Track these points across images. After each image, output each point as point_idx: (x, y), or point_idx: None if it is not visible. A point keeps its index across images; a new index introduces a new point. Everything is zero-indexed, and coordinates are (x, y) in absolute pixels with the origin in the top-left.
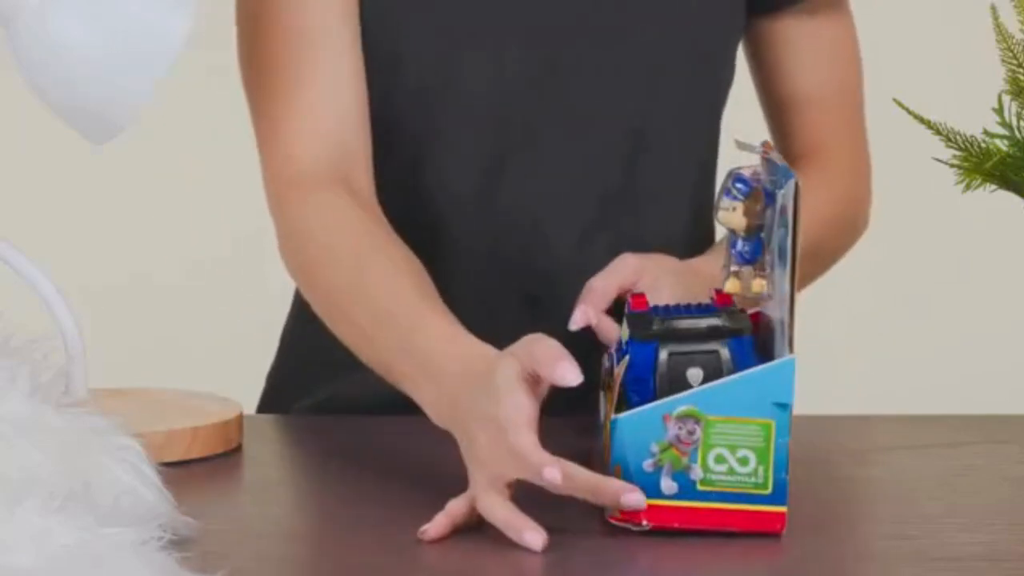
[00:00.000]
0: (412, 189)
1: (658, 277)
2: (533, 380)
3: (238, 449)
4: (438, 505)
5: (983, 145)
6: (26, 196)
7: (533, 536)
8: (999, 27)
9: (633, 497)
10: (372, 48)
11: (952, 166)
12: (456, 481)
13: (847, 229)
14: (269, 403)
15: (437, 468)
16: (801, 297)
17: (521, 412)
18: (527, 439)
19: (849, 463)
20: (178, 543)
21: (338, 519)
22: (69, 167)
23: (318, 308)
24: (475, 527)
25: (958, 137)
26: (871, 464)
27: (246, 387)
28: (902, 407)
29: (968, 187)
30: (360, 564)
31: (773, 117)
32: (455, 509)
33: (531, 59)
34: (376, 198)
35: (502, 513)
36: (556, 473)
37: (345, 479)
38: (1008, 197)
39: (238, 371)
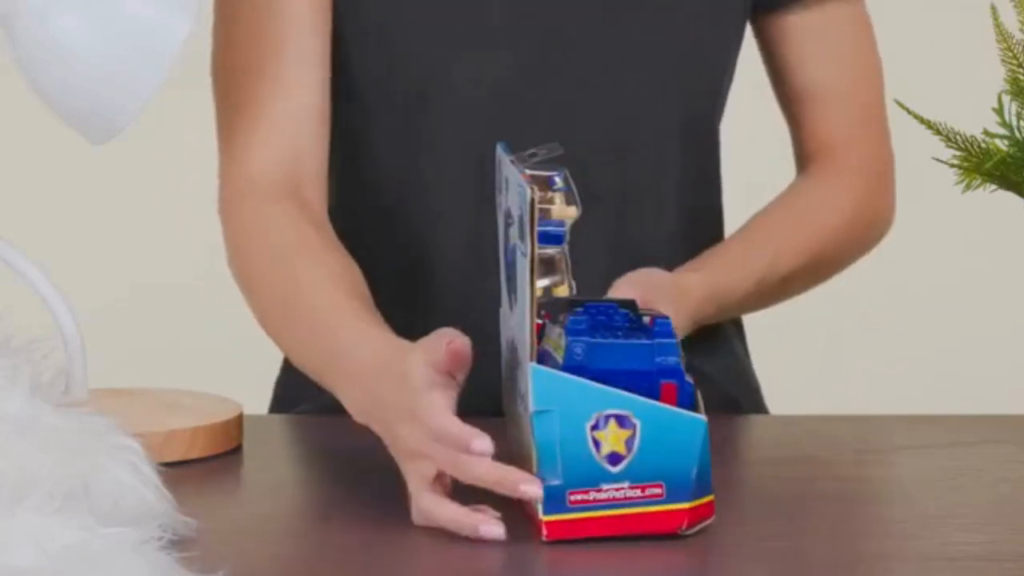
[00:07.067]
0: (403, 187)
1: (652, 301)
2: (446, 371)
3: (238, 449)
4: None
5: (983, 145)
6: (26, 196)
7: (489, 528)
8: (999, 27)
9: (531, 488)
10: (366, 49)
11: (952, 166)
12: (455, 482)
13: (856, 237)
14: (277, 410)
15: None
16: (800, 297)
17: (436, 399)
18: (446, 418)
19: (849, 463)
20: (178, 543)
21: (338, 519)
22: (69, 167)
23: (257, 316)
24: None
25: (958, 137)
26: (871, 464)
27: (246, 387)
28: (902, 407)
29: (968, 187)
30: (361, 564)
31: (787, 112)
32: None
33: (520, 61)
34: (325, 208)
35: (448, 513)
36: (486, 441)
37: (345, 479)
38: (1008, 197)
39: (238, 371)
